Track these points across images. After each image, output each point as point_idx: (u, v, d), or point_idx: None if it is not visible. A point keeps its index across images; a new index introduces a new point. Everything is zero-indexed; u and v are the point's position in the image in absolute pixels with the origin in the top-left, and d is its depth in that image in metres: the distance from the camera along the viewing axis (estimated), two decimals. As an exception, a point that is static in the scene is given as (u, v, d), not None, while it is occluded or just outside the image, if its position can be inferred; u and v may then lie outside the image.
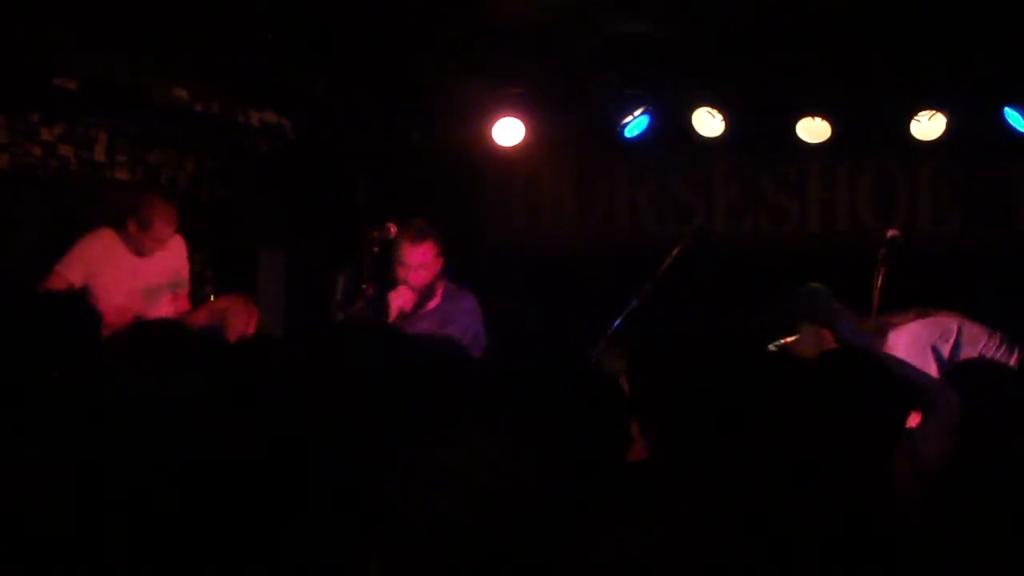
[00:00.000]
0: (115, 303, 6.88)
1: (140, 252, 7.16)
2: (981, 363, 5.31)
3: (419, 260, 6.69)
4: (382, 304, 6.72)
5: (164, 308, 7.25)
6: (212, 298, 7.80)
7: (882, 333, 6.32)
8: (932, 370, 6.11)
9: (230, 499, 2.49)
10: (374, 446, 2.62)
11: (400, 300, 6.68)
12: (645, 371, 3.01)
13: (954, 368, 5.09)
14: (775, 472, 2.76)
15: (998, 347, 6.24)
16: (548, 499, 2.44)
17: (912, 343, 6.24)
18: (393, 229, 6.73)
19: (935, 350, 6.18)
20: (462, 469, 2.37)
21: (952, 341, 6.25)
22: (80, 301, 4.25)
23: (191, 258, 7.70)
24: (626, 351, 6.70)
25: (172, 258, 7.40)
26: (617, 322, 6.85)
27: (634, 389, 3.01)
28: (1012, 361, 6.12)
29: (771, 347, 7.13)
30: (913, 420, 4.17)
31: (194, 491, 2.49)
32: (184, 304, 7.40)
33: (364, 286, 6.69)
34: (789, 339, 7.33)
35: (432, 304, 6.84)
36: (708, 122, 9.01)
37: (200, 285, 8.48)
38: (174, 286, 7.39)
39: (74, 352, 3.07)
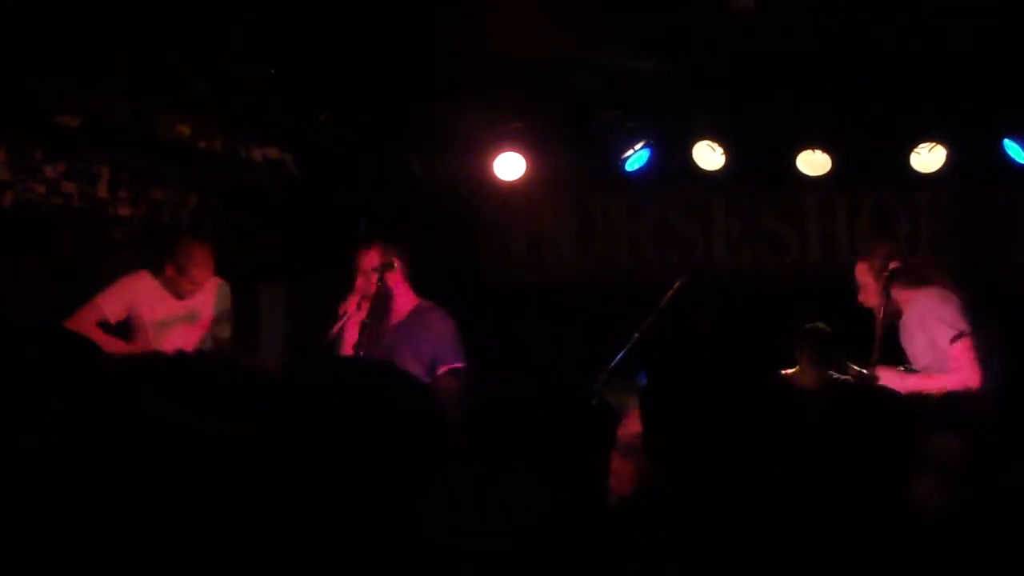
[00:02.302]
0: (148, 341, 6.99)
1: (179, 295, 7.23)
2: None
3: (366, 265, 6.85)
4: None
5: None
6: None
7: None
8: (961, 321, 6.21)
9: (258, 538, 2.49)
10: (404, 479, 2.61)
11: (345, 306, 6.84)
12: (662, 407, 2.99)
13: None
14: (789, 507, 2.76)
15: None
16: (559, 533, 2.45)
17: (940, 297, 6.35)
18: (396, 263, 6.77)
19: (961, 306, 6.30)
20: (483, 503, 2.37)
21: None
22: (72, 332, 4.25)
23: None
24: (630, 385, 6.73)
25: (210, 303, 7.45)
26: (619, 355, 6.86)
27: (649, 425, 2.98)
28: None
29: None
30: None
31: (220, 529, 2.48)
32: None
33: (367, 321, 6.70)
34: (789, 371, 7.37)
35: (394, 320, 6.92)
36: (709, 155, 9.03)
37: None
38: (214, 335, 7.44)
39: (73, 383, 3.08)
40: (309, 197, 9.54)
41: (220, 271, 7.52)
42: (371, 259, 6.91)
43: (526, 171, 9.33)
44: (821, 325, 7.44)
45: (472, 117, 9.00)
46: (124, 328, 7.23)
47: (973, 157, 8.79)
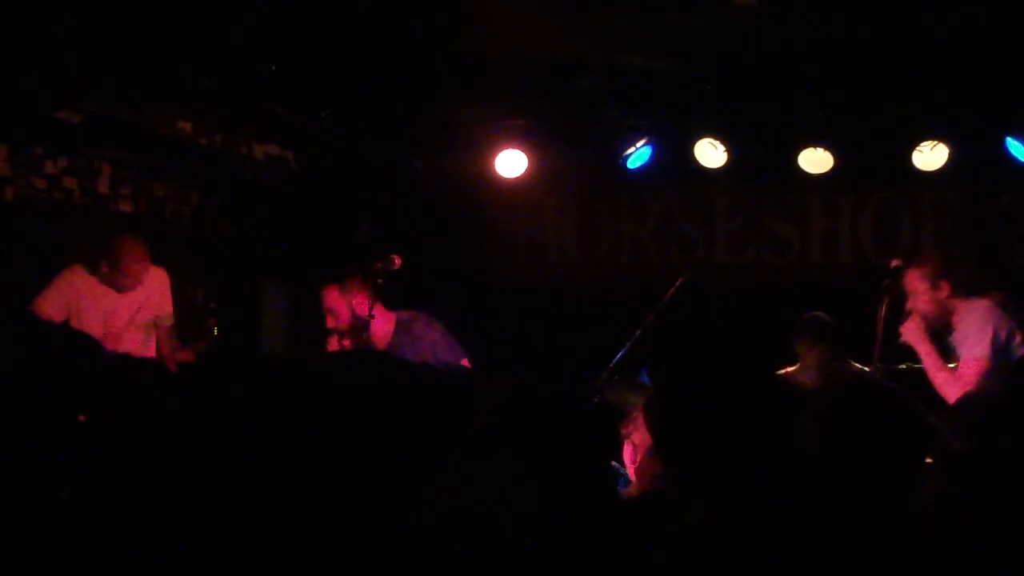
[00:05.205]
0: (97, 335, 6.89)
1: (117, 289, 7.16)
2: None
3: (326, 305, 6.92)
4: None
5: (150, 347, 7.28)
6: (216, 331, 7.78)
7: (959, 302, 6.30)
8: (985, 345, 6.07)
9: (257, 528, 2.50)
10: (393, 475, 2.62)
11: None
12: (671, 405, 2.96)
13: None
14: (799, 504, 2.75)
15: None
16: (560, 529, 2.44)
17: (984, 314, 6.21)
18: (397, 260, 6.76)
19: (996, 333, 6.13)
20: (483, 497, 2.37)
21: (1017, 339, 6.21)
22: (81, 335, 4.25)
23: (194, 291, 7.68)
24: (631, 383, 6.71)
25: (154, 292, 7.38)
26: (620, 353, 6.85)
27: (659, 423, 2.96)
28: None
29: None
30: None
31: (230, 518, 2.49)
32: (169, 342, 7.40)
33: (369, 317, 6.70)
34: (789, 368, 7.36)
35: (381, 342, 6.89)
36: (710, 153, 9.01)
37: (203, 318, 8.47)
38: (157, 321, 7.40)
39: (87, 383, 3.09)
40: (310, 194, 9.54)
41: (223, 268, 7.49)
42: (331, 297, 6.93)
43: (528, 168, 9.33)
44: (819, 314, 7.44)
45: (474, 114, 8.99)
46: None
47: (975, 155, 8.78)
